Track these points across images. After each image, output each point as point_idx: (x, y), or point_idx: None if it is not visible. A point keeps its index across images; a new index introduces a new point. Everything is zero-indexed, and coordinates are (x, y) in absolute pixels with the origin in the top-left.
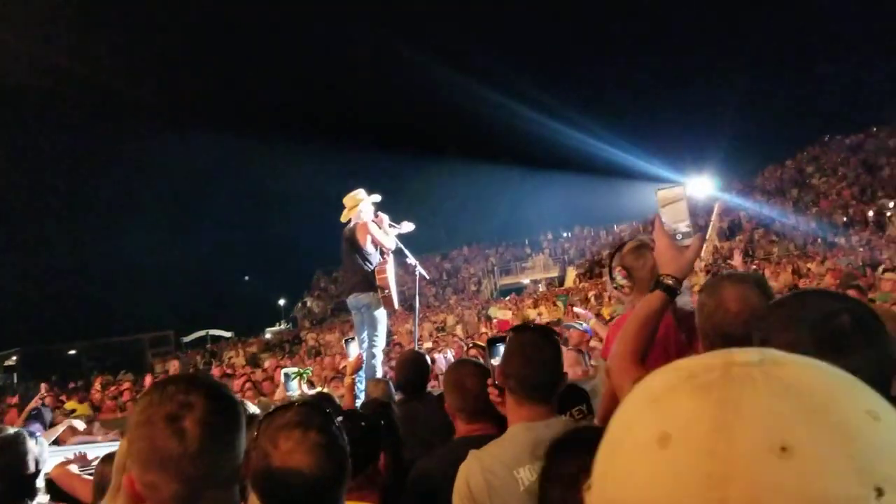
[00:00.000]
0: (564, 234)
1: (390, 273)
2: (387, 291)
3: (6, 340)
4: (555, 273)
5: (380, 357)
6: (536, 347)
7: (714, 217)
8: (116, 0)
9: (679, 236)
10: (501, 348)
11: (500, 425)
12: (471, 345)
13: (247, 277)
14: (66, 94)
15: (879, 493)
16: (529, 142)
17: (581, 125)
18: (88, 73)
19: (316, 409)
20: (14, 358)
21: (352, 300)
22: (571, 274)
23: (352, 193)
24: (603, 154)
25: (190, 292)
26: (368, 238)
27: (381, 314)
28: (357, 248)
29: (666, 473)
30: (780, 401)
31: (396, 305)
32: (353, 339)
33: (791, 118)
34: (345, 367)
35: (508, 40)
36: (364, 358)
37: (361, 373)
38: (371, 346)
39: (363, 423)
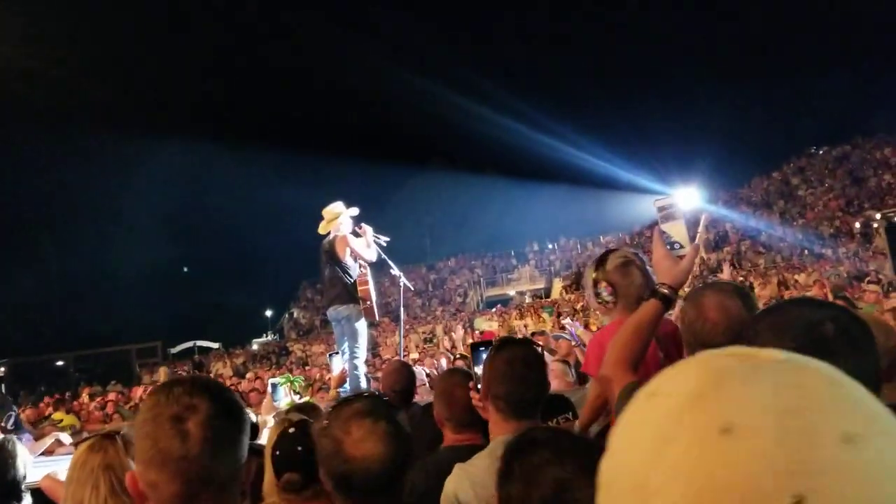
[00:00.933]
0: (550, 246)
1: (371, 284)
2: (368, 302)
3: None
4: (541, 285)
5: (363, 368)
6: (523, 364)
7: (701, 229)
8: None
9: (676, 245)
10: (484, 355)
11: (487, 435)
12: (458, 356)
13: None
14: (55, 103)
15: None
16: (515, 153)
17: (567, 136)
18: (76, 82)
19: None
20: (1, 369)
21: (332, 312)
22: (557, 285)
23: (330, 206)
24: (589, 165)
25: (177, 303)
26: (347, 250)
27: (361, 325)
28: (336, 261)
29: (733, 465)
30: (835, 388)
31: (377, 317)
32: (336, 353)
33: (777, 129)
34: (329, 379)
35: (494, 52)
36: (347, 370)
37: (346, 385)
38: (353, 357)
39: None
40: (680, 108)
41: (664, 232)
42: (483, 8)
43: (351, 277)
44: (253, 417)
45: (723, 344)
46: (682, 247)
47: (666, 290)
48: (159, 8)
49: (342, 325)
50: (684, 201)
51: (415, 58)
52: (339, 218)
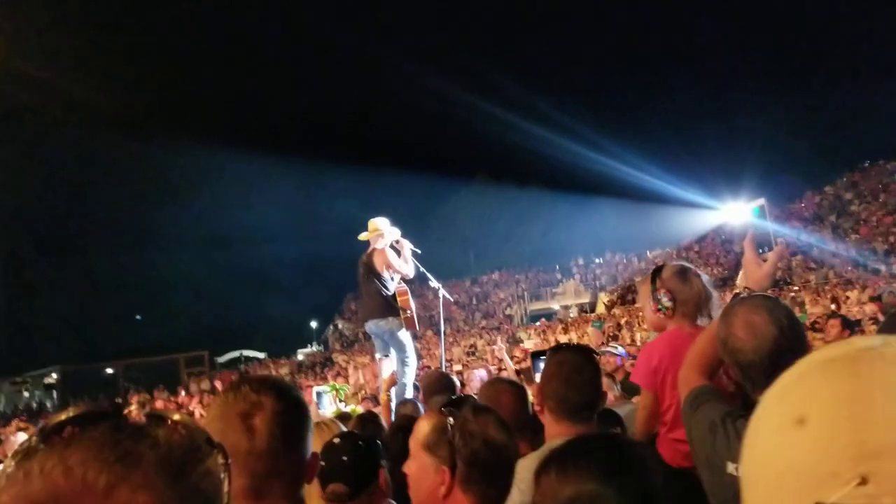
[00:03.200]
0: (596, 260)
1: (410, 295)
2: (409, 313)
3: (47, 359)
4: (585, 299)
5: (411, 378)
6: (575, 368)
7: (746, 243)
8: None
9: (765, 248)
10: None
11: (534, 444)
12: (500, 368)
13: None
14: (112, 116)
15: None
16: (561, 166)
17: (614, 150)
18: (129, 95)
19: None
20: (54, 376)
21: (371, 326)
22: (602, 300)
23: (376, 220)
24: (636, 179)
25: (225, 314)
26: (385, 264)
27: (405, 336)
28: (375, 274)
29: (806, 451)
30: None
31: (418, 327)
32: (387, 356)
33: (830, 143)
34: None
35: (542, 67)
36: (397, 375)
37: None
38: (404, 365)
39: (360, 443)
40: (730, 122)
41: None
42: (532, 24)
43: (389, 290)
44: None
45: (753, 361)
46: (769, 250)
47: (747, 294)
48: (212, 25)
49: (384, 338)
50: (734, 216)
51: (462, 74)
52: (380, 232)
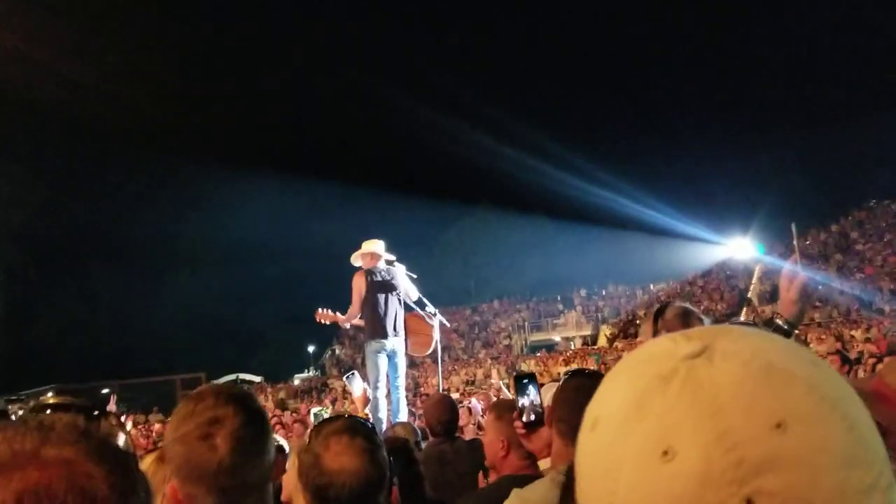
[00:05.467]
0: (599, 292)
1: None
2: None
3: (42, 377)
4: (587, 331)
5: (385, 402)
6: (586, 394)
7: (755, 280)
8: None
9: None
10: (529, 387)
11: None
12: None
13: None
14: (114, 134)
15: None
16: (565, 197)
17: (619, 183)
18: (137, 113)
19: (361, 421)
20: (49, 395)
21: (376, 344)
22: (604, 333)
23: (370, 241)
24: (641, 212)
25: (222, 337)
26: (356, 288)
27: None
28: (401, 295)
29: (683, 486)
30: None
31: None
32: (353, 373)
33: (836, 181)
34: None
35: (548, 100)
36: (392, 400)
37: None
38: (395, 387)
39: None
40: (735, 158)
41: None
42: (534, 57)
43: (378, 312)
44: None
45: None
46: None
47: (780, 321)
48: (226, 46)
49: (391, 357)
50: (739, 252)
51: (469, 106)
52: (369, 250)
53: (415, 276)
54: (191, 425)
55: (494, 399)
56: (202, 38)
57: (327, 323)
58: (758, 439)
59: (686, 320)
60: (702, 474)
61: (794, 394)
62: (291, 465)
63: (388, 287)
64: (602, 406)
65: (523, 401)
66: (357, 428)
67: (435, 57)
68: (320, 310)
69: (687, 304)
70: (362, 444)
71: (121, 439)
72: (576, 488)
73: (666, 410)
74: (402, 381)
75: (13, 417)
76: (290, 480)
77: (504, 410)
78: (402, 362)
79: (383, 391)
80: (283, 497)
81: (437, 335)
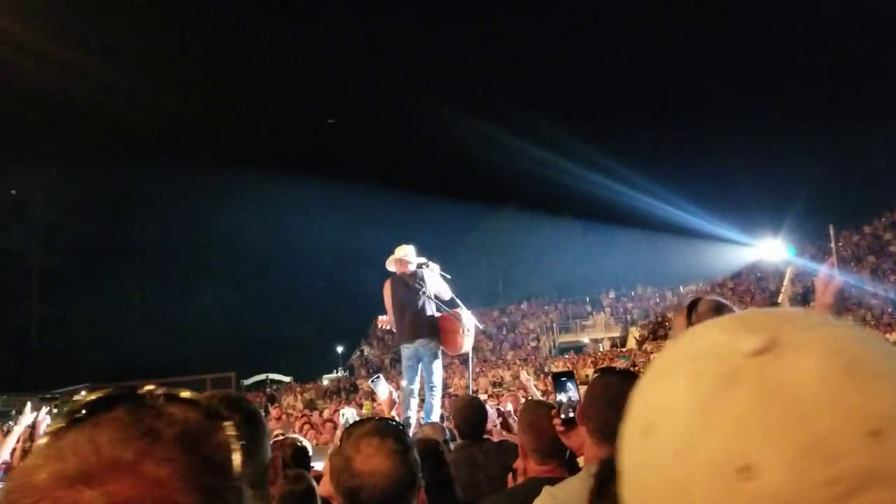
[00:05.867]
0: (628, 293)
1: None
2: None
3: (76, 376)
4: (616, 333)
5: (415, 402)
6: (621, 392)
7: (786, 282)
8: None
9: None
10: (568, 384)
11: (572, 467)
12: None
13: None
14: (151, 140)
15: None
16: (594, 198)
17: (648, 184)
18: (173, 121)
19: (391, 423)
20: (83, 393)
21: (418, 345)
22: (633, 335)
23: (401, 247)
24: (671, 213)
25: (252, 337)
26: (385, 294)
27: (440, 363)
28: (425, 293)
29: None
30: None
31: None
32: (378, 377)
33: (869, 182)
34: (378, 406)
35: (574, 99)
36: (426, 403)
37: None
38: (431, 387)
39: None
40: (767, 159)
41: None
42: (562, 58)
43: (434, 311)
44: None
45: None
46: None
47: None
48: (257, 54)
49: (422, 359)
50: (769, 254)
51: (496, 108)
52: (397, 256)
53: (449, 277)
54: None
55: (523, 400)
56: (234, 48)
57: (388, 328)
58: (853, 451)
59: (720, 313)
60: (790, 494)
61: (887, 394)
62: (326, 467)
63: (414, 290)
64: (656, 410)
65: (561, 397)
66: (387, 430)
67: (462, 59)
68: (381, 317)
69: (720, 298)
70: (392, 445)
71: (235, 456)
72: (620, 492)
73: (738, 418)
74: (436, 382)
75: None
76: (326, 480)
77: (523, 414)
78: (434, 364)
79: (415, 392)
80: (322, 492)
81: (468, 337)
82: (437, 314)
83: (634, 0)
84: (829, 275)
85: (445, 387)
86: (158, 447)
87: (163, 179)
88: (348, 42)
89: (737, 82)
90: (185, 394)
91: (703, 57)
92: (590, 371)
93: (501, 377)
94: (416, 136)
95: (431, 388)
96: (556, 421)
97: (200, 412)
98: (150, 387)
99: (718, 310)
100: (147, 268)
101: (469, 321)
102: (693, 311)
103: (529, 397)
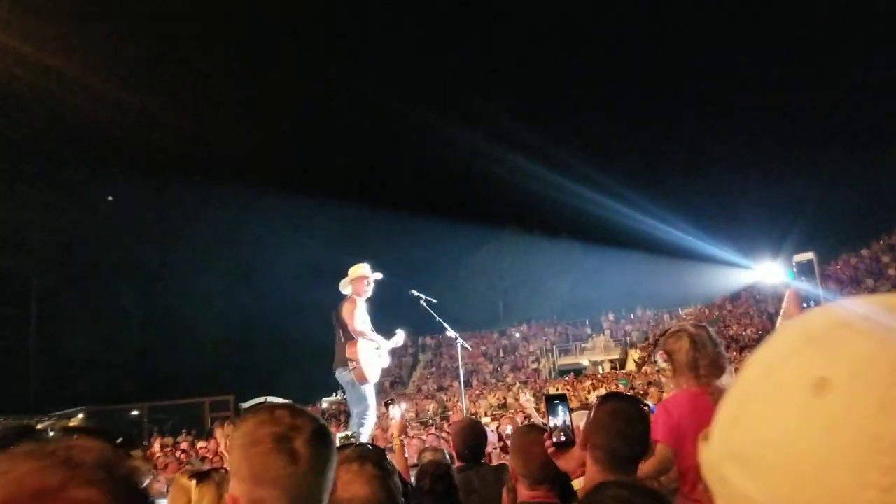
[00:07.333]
0: (628, 316)
1: (361, 347)
2: (354, 364)
3: (72, 399)
4: (615, 355)
5: (365, 437)
6: (628, 420)
7: (785, 304)
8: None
9: (812, 304)
10: (559, 408)
11: (563, 492)
12: (527, 421)
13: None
14: (145, 154)
15: None
16: (593, 219)
17: (648, 205)
18: (171, 135)
19: (370, 448)
20: (80, 416)
21: (338, 375)
22: (633, 357)
23: (356, 266)
24: (670, 235)
25: (251, 360)
26: (353, 314)
27: (367, 390)
28: (341, 323)
29: (819, 427)
30: None
31: (369, 380)
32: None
33: (867, 205)
34: (390, 429)
35: (573, 120)
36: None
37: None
38: (359, 425)
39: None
40: (765, 181)
41: (799, 290)
42: (562, 78)
43: (343, 339)
44: None
45: None
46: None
47: None
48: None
49: (347, 390)
50: (768, 276)
51: (496, 127)
52: (351, 277)
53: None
54: (269, 429)
55: (520, 423)
56: (253, 68)
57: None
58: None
59: (677, 336)
60: None
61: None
62: None
63: (335, 318)
64: (831, 365)
65: (555, 421)
66: (367, 455)
67: (463, 78)
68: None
69: (690, 324)
70: (372, 470)
71: (145, 476)
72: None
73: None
74: (357, 412)
75: (49, 433)
76: None
77: (514, 438)
78: (351, 394)
79: (368, 429)
80: None
81: (367, 368)
82: (347, 342)
83: (637, 23)
84: (795, 292)
85: (444, 410)
86: (80, 472)
87: (161, 201)
88: (352, 60)
89: (737, 105)
90: (85, 426)
91: (704, 80)
92: (591, 395)
93: (504, 398)
94: (417, 159)
95: (359, 423)
96: (549, 444)
97: (106, 441)
98: (47, 421)
99: (677, 332)
100: (145, 289)
101: (363, 351)
102: (662, 337)
103: (528, 419)
